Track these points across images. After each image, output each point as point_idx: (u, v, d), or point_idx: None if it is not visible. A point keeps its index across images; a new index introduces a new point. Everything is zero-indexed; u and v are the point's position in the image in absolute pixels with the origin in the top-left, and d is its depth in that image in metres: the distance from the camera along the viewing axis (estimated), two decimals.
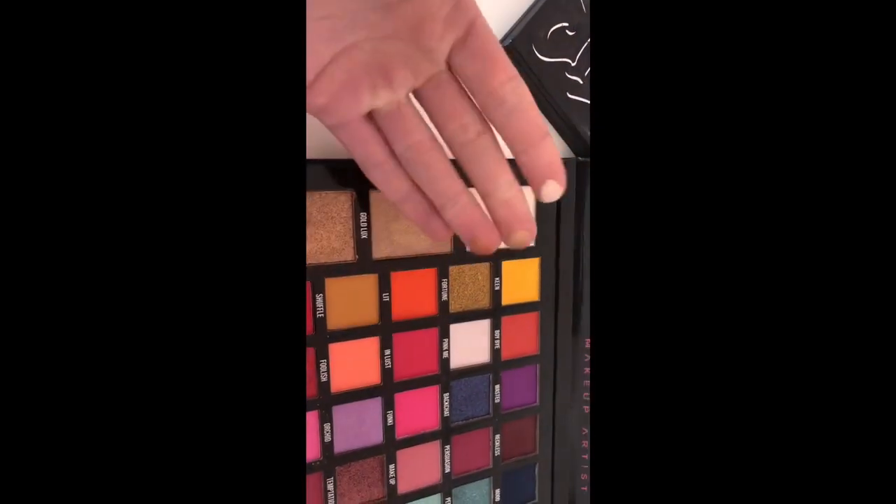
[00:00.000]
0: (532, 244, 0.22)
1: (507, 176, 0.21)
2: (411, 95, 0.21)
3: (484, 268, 0.29)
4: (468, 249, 0.22)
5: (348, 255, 0.25)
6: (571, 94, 0.29)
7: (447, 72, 0.20)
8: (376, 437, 0.27)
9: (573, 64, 0.29)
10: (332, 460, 0.26)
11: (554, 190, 0.21)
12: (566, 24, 0.28)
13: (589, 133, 0.30)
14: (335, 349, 0.25)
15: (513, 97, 0.20)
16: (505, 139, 0.21)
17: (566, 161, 0.30)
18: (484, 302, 0.29)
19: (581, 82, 0.29)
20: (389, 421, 0.27)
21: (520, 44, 0.27)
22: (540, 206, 0.30)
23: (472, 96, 0.21)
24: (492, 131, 0.21)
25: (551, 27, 0.28)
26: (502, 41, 0.28)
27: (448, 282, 0.28)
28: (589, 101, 0.29)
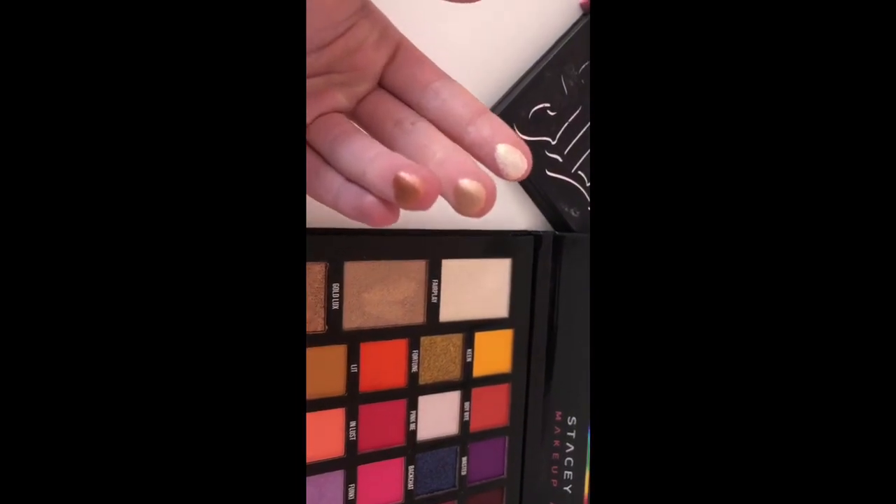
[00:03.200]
0: (485, 202, 0.18)
1: (444, 142, 0.19)
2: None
3: (457, 339, 0.29)
4: (399, 203, 0.18)
5: (318, 325, 0.25)
6: (550, 171, 0.29)
7: (379, 88, 0.21)
8: None
9: (553, 143, 0.29)
10: None
11: (508, 153, 0.19)
12: (548, 105, 0.29)
13: (566, 209, 0.30)
14: None
15: (446, 89, 0.20)
16: (445, 130, 0.20)
17: (544, 234, 0.30)
18: (455, 373, 0.29)
19: (560, 160, 0.30)
20: (351, 495, 0.27)
21: None
22: (515, 278, 0.30)
23: (407, 101, 0.21)
24: (426, 121, 0.20)
25: (533, 107, 0.28)
26: None
27: (419, 353, 0.28)
28: (567, 179, 0.30)
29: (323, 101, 0.20)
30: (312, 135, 0.21)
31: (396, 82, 0.21)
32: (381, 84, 0.21)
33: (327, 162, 0.20)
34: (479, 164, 0.19)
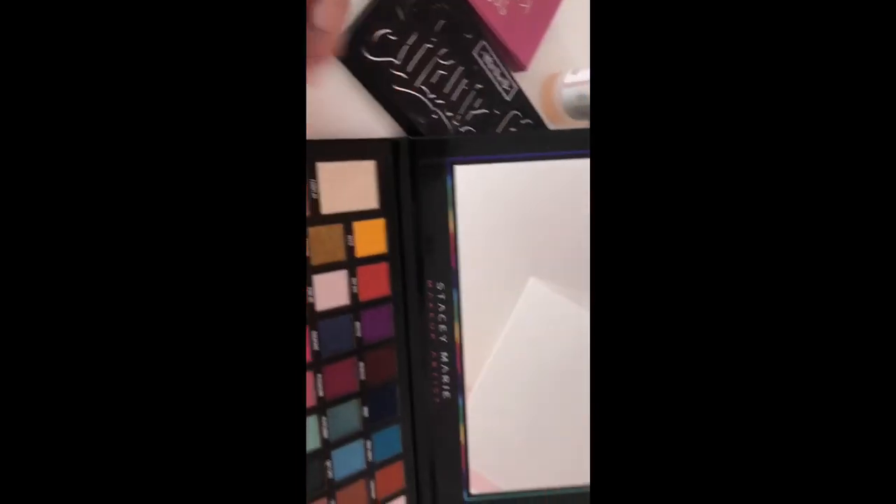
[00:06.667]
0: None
1: None
2: None
3: (338, 228, 0.36)
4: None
5: None
6: (397, 86, 0.36)
7: None
8: None
9: (397, 62, 0.36)
10: None
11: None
12: (389, 31, 0.35)
13: (415, 117, 0.38)
14: None
15: None
16: None
17: (400, 140, 0.37)
18: (340, 256, 0.36)
19: (405, 77, 0.37)
20: None
21: (351, 47, 0.34)
22: (381, 177, 0.37)
23: None
24: None
25: (376, 33, 0.35)
26: None
27: (308, 241, 0.34)
28: (411, 91, 0.37)
29: None
30: None
31: None
32: None
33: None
34: None
